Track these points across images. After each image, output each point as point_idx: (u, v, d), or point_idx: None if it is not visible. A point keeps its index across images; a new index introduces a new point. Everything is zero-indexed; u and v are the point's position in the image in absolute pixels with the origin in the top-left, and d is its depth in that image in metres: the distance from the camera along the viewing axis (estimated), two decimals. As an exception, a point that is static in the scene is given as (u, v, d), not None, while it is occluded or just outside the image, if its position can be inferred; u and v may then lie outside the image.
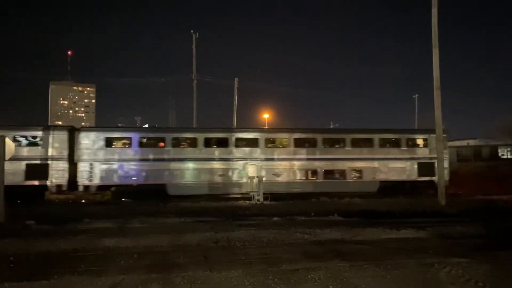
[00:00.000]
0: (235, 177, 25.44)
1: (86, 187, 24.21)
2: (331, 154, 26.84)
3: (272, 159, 25.96)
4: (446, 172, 25.88)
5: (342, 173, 26.58)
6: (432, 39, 21.28)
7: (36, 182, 23.72)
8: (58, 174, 23.98)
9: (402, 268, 7.86)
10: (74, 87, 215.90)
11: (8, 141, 15.79)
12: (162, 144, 25.54)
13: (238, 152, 25.73)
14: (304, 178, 26.22)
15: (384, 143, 27.53)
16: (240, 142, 26.02)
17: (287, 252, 9.43)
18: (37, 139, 24.32)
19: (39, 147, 24.13)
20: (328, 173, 26.48)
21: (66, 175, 24.13)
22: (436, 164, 25.21)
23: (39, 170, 23.72)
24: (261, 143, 26.03)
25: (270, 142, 26.64)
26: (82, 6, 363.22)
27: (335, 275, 7.37)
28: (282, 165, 26.02)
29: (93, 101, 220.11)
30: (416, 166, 27.10)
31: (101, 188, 24.32)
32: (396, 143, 27.71)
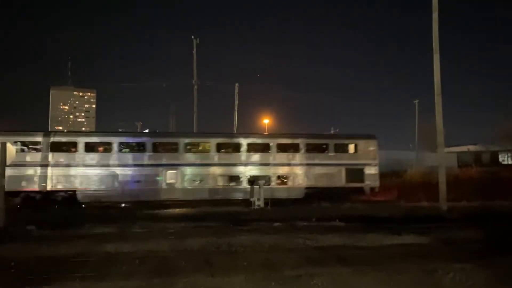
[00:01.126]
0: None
1: None
2: (255, 159, 26.20)
3: (194, 165, 25.41)
4: (375, 178, 26.66)
5: (267, 179, 25.75)
6: (433, 44, 21.31)
7: None
8: None
9: (405, 273, 7.81)
10: (74, 92, 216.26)
11: (10, 147, 15.81)
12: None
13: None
14: (227, 184, 25.58)
15: (310, 148, 26.91)
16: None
17: (289, 258, 9.38)
18: None
19: None
20: (252, 180, 25.59)
21: None
22: (365, 170, 26.23)
23: None
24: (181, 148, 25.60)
25: (193, 147, 26.31)
26: (82, 10, 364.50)
27: (338, 281, 7.33)
28: (203, 171, 25.45)
29: (94, 106, 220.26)
30: (344, 172, 26.51)
31: None
32: (323, 149, 27.29)
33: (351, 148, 27.34)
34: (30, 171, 23.66)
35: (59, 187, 23.98)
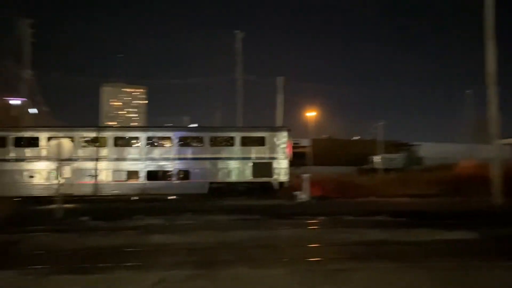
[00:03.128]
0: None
1: None
2: (155, 154, 25.14)
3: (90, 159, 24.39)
4: (283, 172, 25.22)
5: (168, 174, 25.00)
6: (485, 30, 20.20)
7: None
8: None
9: (451, 270, 7.58)
10: (125, 89, 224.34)
11: (65, 141, 16.81)
12: None
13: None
14: (124, 179, 24.40)
15: (215, 142, 25.76)
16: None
17: (332, 252, 9.37)
18: None
19: None
20: (152, 175, 24.88)
21: None
22: (274, 164, 24.93)
23: None
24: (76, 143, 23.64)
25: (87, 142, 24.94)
26: (133, 8, 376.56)
27: (380, 277, 7.23)
28: (98, 166, 24.33)
29: (144, 102, 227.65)
30: (250, 167, 25.36)
31: None
32: (228, 142, 25.90)
33: (260, 141, 25.88)
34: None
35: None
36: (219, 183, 25.29)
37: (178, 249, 9.64)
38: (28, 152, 24.24)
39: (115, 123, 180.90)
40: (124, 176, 24.58)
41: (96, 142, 24.67)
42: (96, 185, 24.23)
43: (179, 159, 25.17)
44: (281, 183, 25.31)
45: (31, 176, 24.01)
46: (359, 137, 58.50)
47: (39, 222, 14.41)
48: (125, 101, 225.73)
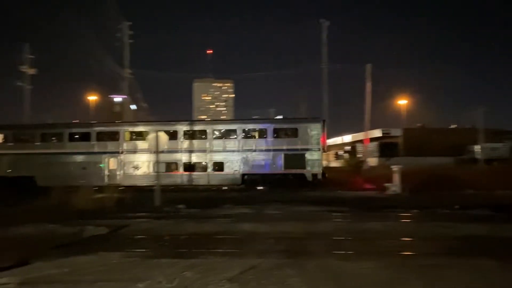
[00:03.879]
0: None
1: None
2: (192, 146, 26.12)
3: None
4: (317, 164, 25.10)
5: (203, 166, 26.03)
6: None
7: None
8: None
9: None
10: (214, 84, 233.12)
11: (162, 135, 18.00)
12: None
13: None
14: (164, 171, 24.80)
15: (248, 134, 26.11)
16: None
17: (425, 247, 8.90)
18: None
19: None
20: (190, 167, 25.99)
21: None
22: (307, 156, 24.91)
23: None
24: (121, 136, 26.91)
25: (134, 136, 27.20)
26: (219, 8, 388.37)
27: (477, 274, 6.72)
28: (142, 158, 26.07)
29: (231, 95, 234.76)
30: (282, 158, 25.25)
31: None
32: (260, 134, 26.13)
33: (292, 133, 26.08)
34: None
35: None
36: (252, 175, 25.97)
37: (267, 238, 9.86)
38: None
39: (205, 116, 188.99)
40: (166, 167, 25.90)
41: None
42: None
43: (212, 151, 26.15)
44: (314, 175, 25.18)
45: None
46: (456, 125, 54.47)
47: (141, 209, 15.64)
48: (215, 95, 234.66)
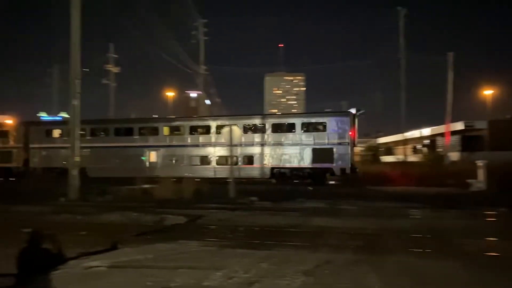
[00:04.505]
0: None
1: None
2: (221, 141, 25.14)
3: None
4: (345, 158, 24.75)
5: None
6: None
7: None
8: None
9: None
10: (285, 77, 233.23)
11: (236, 129, 18.42)
12: None
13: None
14: (199, 164, 27.08)
15: (276, 128, 26.22)
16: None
17: (515, 248, 8.25)
18: None
19: None
20: (221, 161, 26.62)
21: None
22: (335, 150, 24.70)
23: None
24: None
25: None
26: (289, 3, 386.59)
27: None
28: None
29: (303, 89, 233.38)
30: (310, 152, 25.26)
31: None
32: (289, 128, 26.27)
33: (320, 127, 25.94)
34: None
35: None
36: (281, 168, 26.21)
37: (341, 233, 9.74)
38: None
39: (276, 110, 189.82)
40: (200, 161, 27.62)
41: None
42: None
43: (242, 145, 25.78)
44: (343, 169, 24.98)
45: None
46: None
47: (216, 200, 16.16)
48: (286, 89, 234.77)
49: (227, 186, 17.58)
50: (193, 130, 28.58)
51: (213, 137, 27.42)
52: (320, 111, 30.69)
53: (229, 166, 19.42)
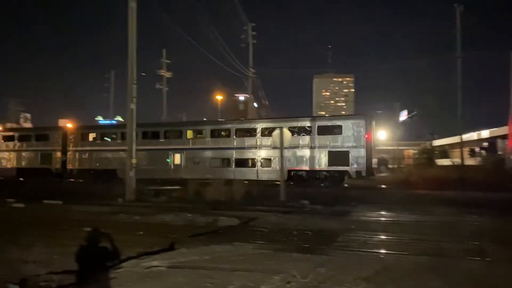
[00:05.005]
0: None
1: None
2: (241, 144, 28.30)
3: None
4: (361, 161, 25.07)
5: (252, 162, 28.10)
6: None
7: None
8: None
9: None
10: (334, 79, 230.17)
11: (286, 131, 18.36)
12: None
13: None
14: (220, 165, 28.89)
15: (293, 131, 25.72)
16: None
17: None
18: None
19: None
20: (240, 162, 28.36)
21: None
22: (351, 153, 24.94)
23: None
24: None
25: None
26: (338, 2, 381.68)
27: None
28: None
29: (352, 90, 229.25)
30: (326, 155, 25.95)
31: None
32: (305, 131, 26.98)
33: (336, 130, 26.55)
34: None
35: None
36: (298, 171, 27.00)
37: (400, 238, 9.41)
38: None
39: (324, 112, 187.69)
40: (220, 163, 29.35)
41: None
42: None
43: (262, 147, 27.92)
44: (358, 172, 25.28)
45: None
46: None
47: (266, 203, 16.15)
48: (335, 91, 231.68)
49: (276, 189, 17.53)
50: (216, 133, 30.33)
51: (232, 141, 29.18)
52: (336, 114, 32.77)
53: (280, 169, 19.34)
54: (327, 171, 26.58)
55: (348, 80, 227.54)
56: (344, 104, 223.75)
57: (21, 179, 33.36)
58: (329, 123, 27.92)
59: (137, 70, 19.22)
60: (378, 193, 22.25)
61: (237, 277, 6.12)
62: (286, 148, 26.32)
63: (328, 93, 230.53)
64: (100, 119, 77.73)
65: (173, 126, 33.71)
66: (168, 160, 30.60)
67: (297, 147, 26.74)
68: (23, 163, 35.53)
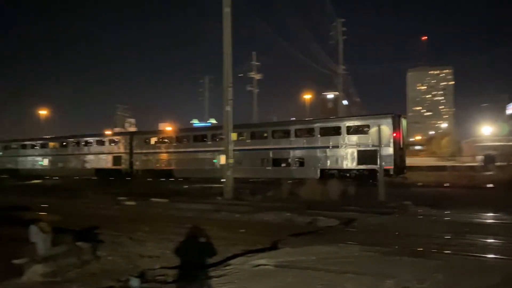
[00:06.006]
0: None
1: None
2: (278, 144, 29.99)
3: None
4: (388, 159, 24.56)
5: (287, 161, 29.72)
6: None
7: None
8: None
9: None
10: (430, 72, 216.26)
11: (385, 129, 17.57)
12: None
13: None
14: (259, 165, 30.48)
15: (324, 131, 28.32)
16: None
17: None
18: None
19: None
20: (276, 162, 30.13)
21: None
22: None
23: None
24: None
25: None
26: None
27: None
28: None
29: (451, 83, 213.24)
30: (355, 154, 26.64)
31: None
32: (335, 131, 27.99)
33: (365, 129, 26.43)
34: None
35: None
36: (329, 170, 27.84)
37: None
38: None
39: (420, 108, 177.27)
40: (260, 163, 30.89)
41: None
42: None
43: (294, 148, 29.37)
44: (386, 171, 23.79)
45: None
46: None
47: (364, 203, 15.50)
48: (431, 84, 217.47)
49: (374, 189, 16.83)
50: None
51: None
52: (363, 114, 32.40)
53: (378, 167, 18.59)
54: (357, 170, 27.12)
55: (446, 72, 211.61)
56: (442, 97, 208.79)
57: (111, 178, 37.04)
58: (357, 122, 28.46)
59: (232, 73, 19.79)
60: (482, 193, 20.30)
61: (348, 280, 5.92)
62: (318, 148, 28.26)
63: (424, 87, 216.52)
64: (196, 122, 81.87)
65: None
66: (214, 160, 32.17)
67: (327, 147, 28.08)
68: (100, 165, 40.29)
